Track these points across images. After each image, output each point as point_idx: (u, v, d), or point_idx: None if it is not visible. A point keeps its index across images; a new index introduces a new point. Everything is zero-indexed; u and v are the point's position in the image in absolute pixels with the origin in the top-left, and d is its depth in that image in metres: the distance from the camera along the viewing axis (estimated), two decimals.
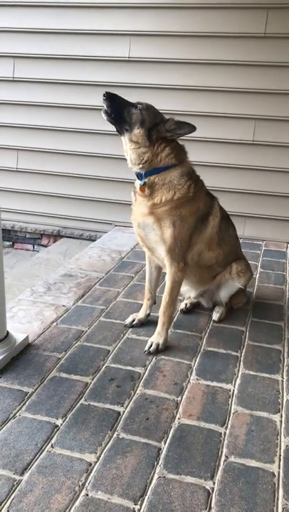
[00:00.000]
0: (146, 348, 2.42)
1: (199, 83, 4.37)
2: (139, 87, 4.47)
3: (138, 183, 2.42)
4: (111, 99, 2.34)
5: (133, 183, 2.54)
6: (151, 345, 2.42)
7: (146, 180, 2.38)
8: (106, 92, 2.34)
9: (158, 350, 2.41)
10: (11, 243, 5.13)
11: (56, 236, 5.01)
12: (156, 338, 2.46)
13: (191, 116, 4.42)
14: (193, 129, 2.34)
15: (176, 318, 2.73)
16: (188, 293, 2.88)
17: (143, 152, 2.34)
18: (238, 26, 4.16)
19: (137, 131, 2.32)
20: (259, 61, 4.19)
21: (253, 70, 4.23)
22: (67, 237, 4.97)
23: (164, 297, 2.50)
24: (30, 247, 5.12)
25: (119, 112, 2.33)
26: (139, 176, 2.41)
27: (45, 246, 5.02)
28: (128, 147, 2.39)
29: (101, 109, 2.35)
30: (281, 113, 4.24)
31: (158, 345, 2.43)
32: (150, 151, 2.34)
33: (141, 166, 2.37)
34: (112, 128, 2.44)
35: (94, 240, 4.52)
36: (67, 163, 4.85)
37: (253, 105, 4.30)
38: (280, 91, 4.21)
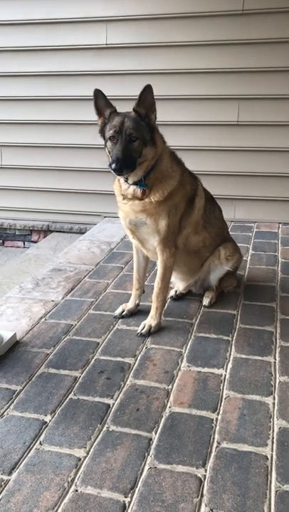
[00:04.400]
0: (139, 330, 2.42)
1: (179, 66, 4.29)
2: (119, 74, 4.39)
3: (137, 188, 2.30)
4: (124, 162, 2.13)
5: None
6: (144, 327, 2.42)
7: (147, 183, 2.29)
8: (117, 165, 2.11)
9: (150, 333, 2.41)
10: (1, 241, 5.09)
11: (46, 231, 4.97)
12: (149, 320, 2.45)
13: (173, 100, 4.39)
14: (147, 85, 2.13)
15: (166, 306, 2.68)
16: (177, 284, 2.83)
17: (150, 159, 2.25)
18: (215, 5, 4.07)
19: (147, 151, 2.21)
20: (239, 39, 4.11)
21: (233, 49, 4.15)
22: (57, 231, 4.93)
23: (157, 283, 2.48)
24: (20, 243, 5.07)
25: (133, 159, 2.17)
26: (137, 181, 2.29)
27: (36, 242, 4.97)
28: (137, 169, 2.24)
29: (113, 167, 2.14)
30: (264, 91, 4.18)
31: (150, 327, 2.42)
32: (156, 152, 2.25)
33: (144, 173, 2.27)
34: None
35: (84, 233, 4.47)
36: (52, 156, 4.79)
37: (236, 85, 4.23)
38: (261, 69, 4.14)
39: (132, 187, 2.33)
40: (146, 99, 2.16)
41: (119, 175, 2.22)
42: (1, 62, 4.68)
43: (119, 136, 2.17)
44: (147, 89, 2.14)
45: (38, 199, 4.95)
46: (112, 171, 2.16)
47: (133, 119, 2.18)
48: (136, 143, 2.17)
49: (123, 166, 2.13)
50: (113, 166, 2.13)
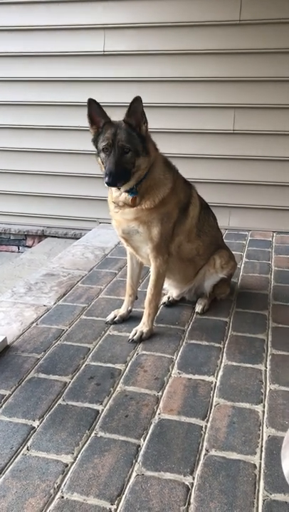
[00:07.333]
0: (131, 336, 2.41)
1: (176, 74, 4.31)
2: (116, 81, 4.41)
3: (128, 196, 2.30)
4: (116, 175, 2.14)
5: None
6: (135, 334, 2.41)
7: (138, 190, 2.29)
8: (110, 178, 2.12)
9: (141, 339, 2.40)
10: None
11: (41, 236, 4.96)
12: (141, 327, 2.44)
13: (169, 108, 4.41)
14: (136, 97, 2.12)
15: (158, 312, 2.68)
16: (171, 291, 2.83)
17: (144, 169, 2.25)
18: (212, 14, 4.11)
19: (141, 161, 2.21)
20: (235, 49, 4.14)
21: (230, 58, 4.18)
22: (51, 236, 4.92)
23: (150, 289, 2.48)
24: (15, 248, 5.06)
25: (127, 170, 2.18)
26: (129, 189, 2.30)
27: (30, 247, 4.96)
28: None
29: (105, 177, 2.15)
30: (260, 100, 4.20)
31: (142, 333, 2.41)
32: (149, 161, 2.25)
33: (137, 182, 2.27)
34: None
35: (79, 239, 4.46)
36: (48, 161, 4.79)
37: (232, 94, 4.26)
38: (257, 78, 4.17)
39: (124, 194, 2.33)
40: (136, 111, 2.16)
41: (113, 187, 2.23)
42: None
43: (112, 149, 2.17)
44: (137, 101, 2.14)
45: (33, 204, 4.95)
46: (106, 185, 2.17)
47: (125, 130, 2.18)
48: (128, 154, 2.18)
49: (116, 179, 2.15)
50: (106, 179, 2.14)
